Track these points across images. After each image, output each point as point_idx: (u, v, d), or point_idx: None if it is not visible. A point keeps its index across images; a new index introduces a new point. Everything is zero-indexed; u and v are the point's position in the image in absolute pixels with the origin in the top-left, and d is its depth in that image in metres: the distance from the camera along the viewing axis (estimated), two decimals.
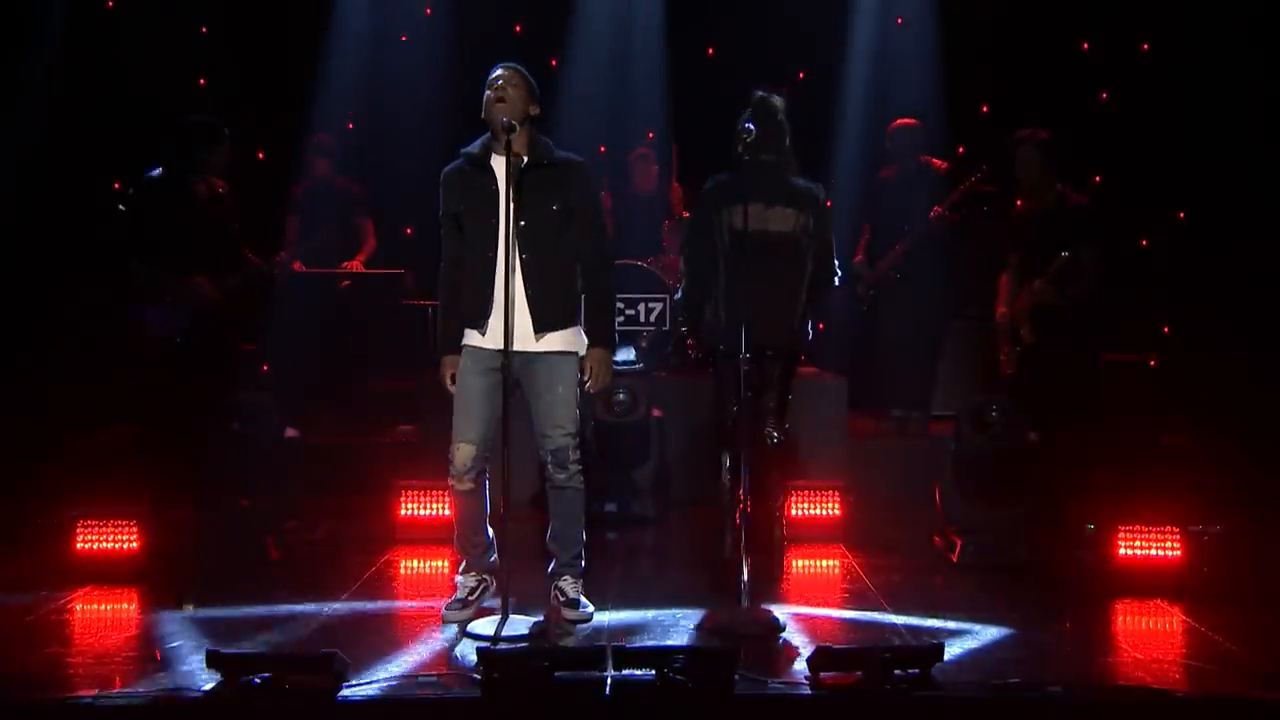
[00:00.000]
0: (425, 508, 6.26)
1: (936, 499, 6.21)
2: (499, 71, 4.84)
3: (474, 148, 4.91)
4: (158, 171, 6.20)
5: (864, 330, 7.82)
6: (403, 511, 6.27)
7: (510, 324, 4.65)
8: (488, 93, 4.80)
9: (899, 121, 7.75)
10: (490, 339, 4.77)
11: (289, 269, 7.04)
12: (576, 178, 4.88)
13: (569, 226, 4.84)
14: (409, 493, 6.28)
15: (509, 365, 4.66)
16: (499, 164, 4.77)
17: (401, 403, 7.57)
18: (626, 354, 7.46)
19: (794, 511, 6.26)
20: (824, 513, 6.40)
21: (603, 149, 9.08)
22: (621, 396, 6.69)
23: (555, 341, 4.81)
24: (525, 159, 4.77)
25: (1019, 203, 6.68)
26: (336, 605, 5.17)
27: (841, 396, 7.26)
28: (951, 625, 4.92)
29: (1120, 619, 5.14)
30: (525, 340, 4.76)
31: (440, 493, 6.19)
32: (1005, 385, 6.48)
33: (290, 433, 6.06)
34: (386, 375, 7.83)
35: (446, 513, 6.07)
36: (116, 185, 7.43)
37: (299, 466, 6.32)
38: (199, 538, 5.68)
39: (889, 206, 7.69)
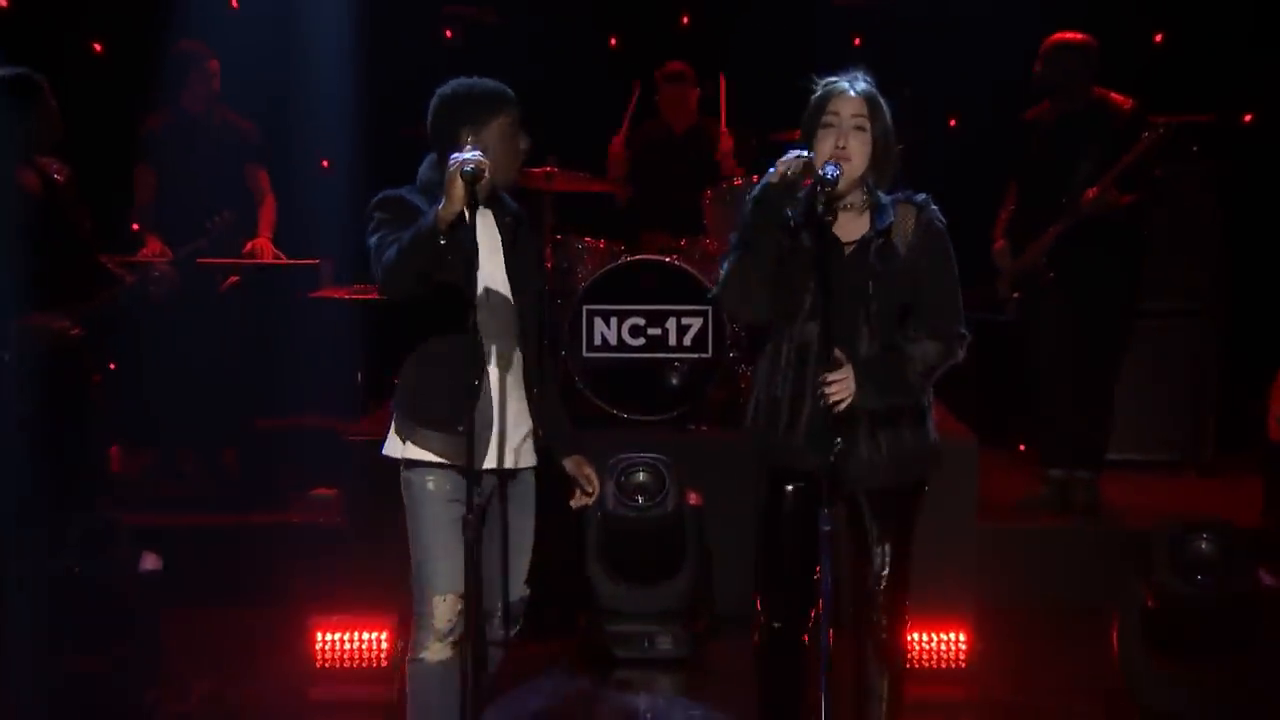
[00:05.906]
0: (350, 652, 4.45)
1: (1114, 656, 4.10)
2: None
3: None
4: None
5: (1003, 348, 5.56)
6: (319, 659, 4.46)
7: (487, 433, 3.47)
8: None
9: (1058, 36, 5.40)
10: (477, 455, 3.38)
11: (169, 279, 5.01)
12: (534, 234, 3.78)
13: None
14: (326, 628, 4.48)
15: (480, 495, 3.40)
16: (480, 220, 3.41)
17: (317, 454, 5.40)
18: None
19: None
20: (944, 660, 4.50)
21: (613, 41, 6.93)
22: (641, 478, 4.60)
23: (531, 454, 3.63)
24: (507, 216, 3.59)
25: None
26: None
27: (970, 465, 4.98)
28: None
29: None
30: (514, 456, 3.54)
31: (376, 618, 4.49)
32: None
33: (149, 563, 4.26)
34: (295, 412, 5.74)
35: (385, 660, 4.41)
36: None
37: (163, 602, 4.43)
38: None
39: (1041, 163, 5.43)
